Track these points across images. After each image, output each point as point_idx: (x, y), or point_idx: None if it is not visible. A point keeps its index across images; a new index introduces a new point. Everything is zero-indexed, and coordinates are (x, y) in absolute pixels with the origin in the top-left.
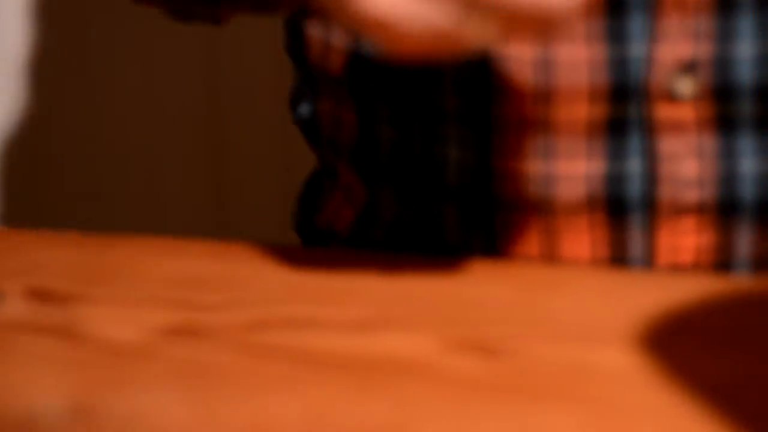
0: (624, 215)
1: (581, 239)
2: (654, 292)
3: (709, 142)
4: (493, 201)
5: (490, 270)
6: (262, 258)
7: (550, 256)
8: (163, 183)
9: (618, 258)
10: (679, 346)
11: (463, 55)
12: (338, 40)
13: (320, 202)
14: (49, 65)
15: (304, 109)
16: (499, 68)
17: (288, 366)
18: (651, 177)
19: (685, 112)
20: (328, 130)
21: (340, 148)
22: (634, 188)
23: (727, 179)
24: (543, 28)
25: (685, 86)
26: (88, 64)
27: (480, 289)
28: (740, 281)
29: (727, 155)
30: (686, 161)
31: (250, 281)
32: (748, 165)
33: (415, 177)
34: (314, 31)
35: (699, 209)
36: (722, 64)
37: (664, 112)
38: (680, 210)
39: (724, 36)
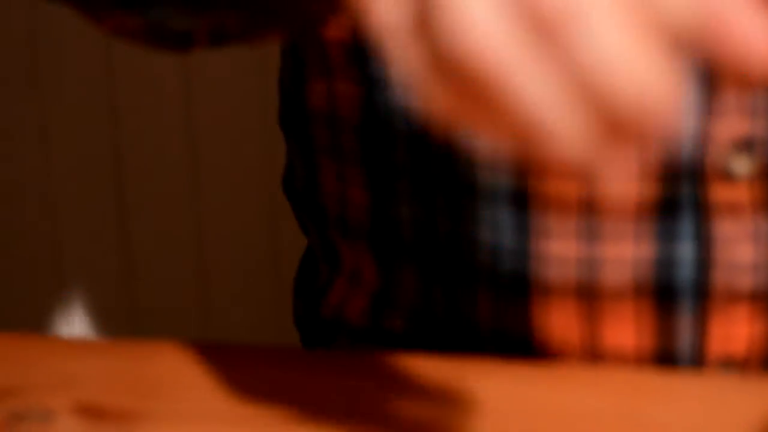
0: (673, 302)
1: (626, 327)
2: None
3: (766, 225)
4: (530, 284)
5: (578, 375)
6: (316, 364)
7: (591, 345)
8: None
9: (664, 348)
10: None
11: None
12: (349, 93)
13: (320, 289)
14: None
15: (299, 184)
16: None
17: None
18: (704, 262)
19: (741, 193)
20: (334, 209)
21: (348, 229)
22: (685, 273)
23: None
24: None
25: (742, 165)
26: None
27: (570, 396)
28: None
29: None
30: (742, 245)
31: (323, 392)
32: None
33: (442, 258)
34: (318, 86)
35: (753, 296)
36: None
37: (718, 192)
38: (734, 297)
39: None
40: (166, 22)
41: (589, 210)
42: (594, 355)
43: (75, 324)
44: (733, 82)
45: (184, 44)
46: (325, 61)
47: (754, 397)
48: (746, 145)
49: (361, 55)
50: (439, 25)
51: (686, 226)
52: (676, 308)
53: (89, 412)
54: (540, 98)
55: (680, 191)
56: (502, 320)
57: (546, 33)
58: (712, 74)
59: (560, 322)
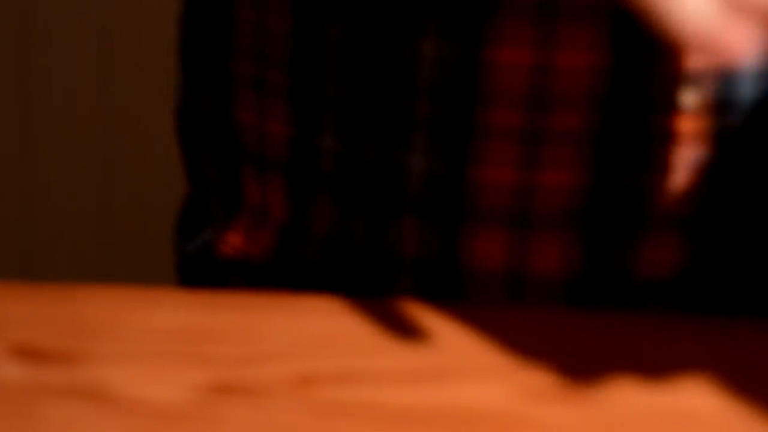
0: (604, 229)
1: (553, 254)
2: (741, 340)
3: (703, 155)
4: (461, 211)
5: (565, 316)
6: (262, 307)
7: (518, 273)
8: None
9: (591, 274)
10: None
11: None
12: (281, 27)
13: (214, 231)
14: None
15: (204, 120)
16: (487, 74)
17: (358, 423)
18: (640, 189)
19: (685, 124)
20: (250, 142)
21: (264, 162)
22: (620, 201)
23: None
24: None
25: (690, 97)
26: None
27: (554, 335)
28: None
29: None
30: (678, 174)
31: (268, 333)
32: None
33: (364, 188)
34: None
35: (682, 223)
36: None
37: (662, 122)
38: (665, 224)
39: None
40: None
41: (531, 138)
42: (517, 282)
43: None
44: None
45: None
46: None
47: (731, 337)
48: (693, 78)
49: None
50: None
51: (626, 154)
52: (606, 235)
53: (27, 354)
54: None
55: (623, 119)
56: (427, 249)
57: None
58: None
59: (488, 249)
